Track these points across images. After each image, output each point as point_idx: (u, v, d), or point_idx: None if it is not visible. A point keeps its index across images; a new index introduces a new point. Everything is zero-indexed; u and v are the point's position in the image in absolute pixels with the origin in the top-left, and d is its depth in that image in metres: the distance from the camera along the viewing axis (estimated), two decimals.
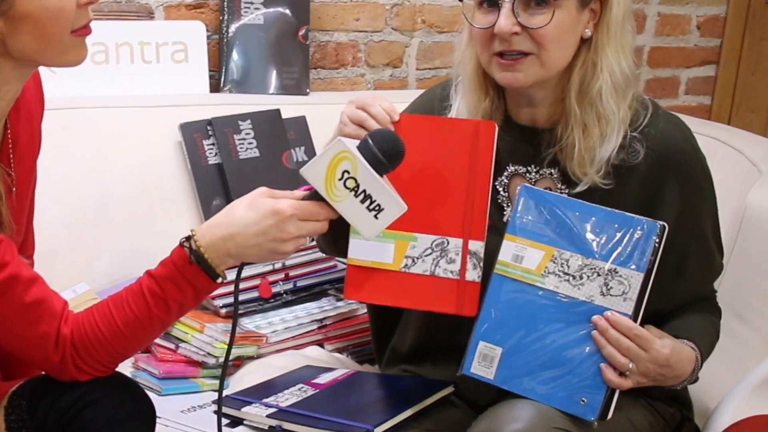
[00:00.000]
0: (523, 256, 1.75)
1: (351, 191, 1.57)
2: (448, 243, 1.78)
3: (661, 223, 1.71)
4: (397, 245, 1.80)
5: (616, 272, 1.70)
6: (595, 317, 1.70)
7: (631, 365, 1.69)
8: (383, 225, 1.59)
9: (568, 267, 1.72)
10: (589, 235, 1.73)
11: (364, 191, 1.57)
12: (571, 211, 1.75)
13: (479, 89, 1.88)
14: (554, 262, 1.73)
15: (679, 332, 1.82)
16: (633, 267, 1.70)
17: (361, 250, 1.82)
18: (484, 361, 1.75)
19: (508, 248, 1.77)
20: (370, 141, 1.59)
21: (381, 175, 1.59)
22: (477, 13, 1.81)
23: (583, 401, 1.70)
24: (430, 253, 1.79)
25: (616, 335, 1.68)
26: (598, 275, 1.71)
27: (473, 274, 1.77)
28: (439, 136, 1.78)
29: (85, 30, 1.56)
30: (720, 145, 2.41)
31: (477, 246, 1.77)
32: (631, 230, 1.71)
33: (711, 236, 1.90)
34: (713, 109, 3.76)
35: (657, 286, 1.78)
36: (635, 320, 1.70)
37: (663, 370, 1.73)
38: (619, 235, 1.71)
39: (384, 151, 1.58)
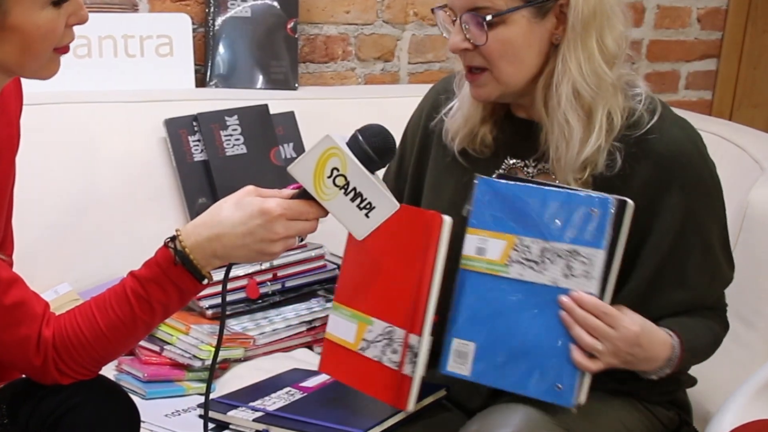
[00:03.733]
0: (485, 248, 1.74)
1: (341, 189, 1.54)
2: (395, 332, 1.75)
3: (616, 198, 1.66)
4: (358, 326, 1.79)
5: (577, 252, 1.68)
6: (562, 297, 1.67)
7: (599, 345, 1.66)
8: (374, 224, 1.56)
9: (530, 253, 1.71)
10: (548, 219, 1.71)
11: (354, 189, 1.54)
12: (528, 197, 1.73)
13: None
14: (516, 250, 1.72)
15: (663, 324, 1.79)
16: (592, 245, 1.67)
17: (335, 326, 1.83)
18: (459, 359, 1.75)
19: (471, 242, 1.76)
20: (359, 137, 1.56)
21: (372, 172, 1.56)
22: None
23: (559, 388, 1.68)
24: (381, 340, 1.77)
25: (583, 314, 1.65)
26: (560, 257, 1.69)
27: (408, 369, 1.73)
28: (397, 222, 1.73)
29: (66, 49, 1.55)
30: (721, 142, 2.40)
31: (414, 341, 1.73)
32: (588, 208, 1.67)
33: (718, 246, 1.86)
34: (714, 104, 3.75)
35: (657, 294, 1.78)
36: (601, 298, 1.67)
37: (633, 349, 1.69)
38: (576, 215, 1.69)
39: (374, 147, 1.55)
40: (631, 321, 1.68)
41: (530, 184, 1.75)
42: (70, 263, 2.41)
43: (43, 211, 2.37)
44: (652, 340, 1.73)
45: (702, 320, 1.86)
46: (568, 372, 1.68)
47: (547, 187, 1.72)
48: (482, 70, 1.77)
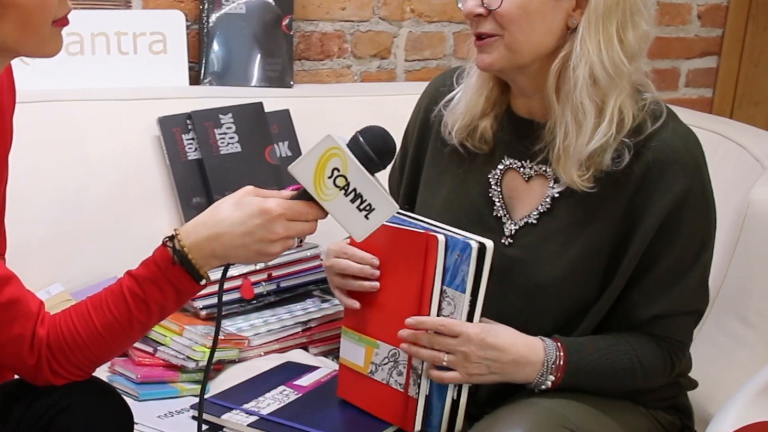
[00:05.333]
0: None
1: (341, 190, 1.54)
2: (399, 355, 1.79)
3: (478, 243, 1.69)
4: (366, 350, 1.83)
5: (445, 293, 1.72)
6: (401, 331, 1.73)
7: (447, 357, 1.71)
8: (374, 226, 1.56)
9: None
10: None
11: (354, 190, 1.54)
12: None
13: (482, 77, 1.87)
14: None
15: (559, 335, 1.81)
16: (457, 288, 1.71)
17: (346, 351, 1.88)
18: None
19: None
20: (360, 138, 1.56)
21: (372, 173, 1.56)
22: None
23: (429, 419, 1.76)
24: (387, 363, 1.80)
25: (427, 337, 1.71)
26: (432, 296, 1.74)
27: (413, 390, 1.77)
28: (395, 245, 1.78)
29: (64, 21, 1.54)
30: (722, 140, 2.38)
31: (417, 362, 1.76)
32: (453, 252, 1.71)
33: (693, 268, 1.79)
34: (715, 102, 3.74)
35: (618, 305, 1.79)
36: None
37: (486, 352, 1.72)
38: (445, 256, 1.72)
39: (375, 148, 1.55)
40: (470, 324, 1.71)
41: (410, 220, 1.79)
42: (62, 263, 2.39)
43: (35, 210, 2.35)
44: (512, 342, 1.74)
45: (626, 344, 1.81)
46: (436, 408, 1.75)
47: (426, 226, 1.76)
48: (492, 36, 1.76)
